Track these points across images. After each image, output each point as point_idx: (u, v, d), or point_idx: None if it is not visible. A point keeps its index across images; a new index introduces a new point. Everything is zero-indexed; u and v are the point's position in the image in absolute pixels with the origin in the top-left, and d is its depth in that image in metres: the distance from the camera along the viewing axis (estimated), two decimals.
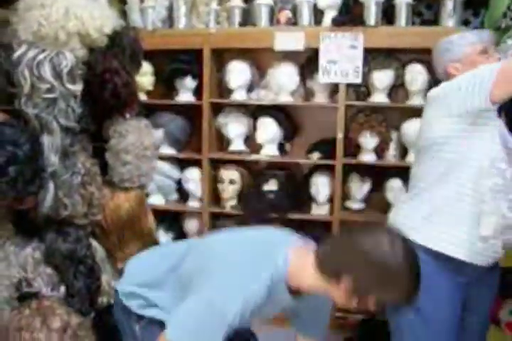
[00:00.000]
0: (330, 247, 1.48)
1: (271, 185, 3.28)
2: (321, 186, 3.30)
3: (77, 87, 1.81)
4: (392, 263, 1.36)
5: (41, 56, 1.71)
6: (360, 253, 1.38)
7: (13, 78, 1.70)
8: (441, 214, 1.82)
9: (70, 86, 1.77)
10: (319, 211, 3.37)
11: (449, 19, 3.08)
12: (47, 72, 1.71)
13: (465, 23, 3.13)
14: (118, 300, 1.71)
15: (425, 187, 1.88)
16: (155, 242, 2.32)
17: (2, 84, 1.64)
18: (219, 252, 1.54)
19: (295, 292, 1.53)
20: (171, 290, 1.62)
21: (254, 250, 1.51)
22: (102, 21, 1.87)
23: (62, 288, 1.89)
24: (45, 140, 1.76)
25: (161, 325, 1.57)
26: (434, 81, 3.13)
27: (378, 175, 3.28)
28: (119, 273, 2.21)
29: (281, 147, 3.44)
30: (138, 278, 1.70)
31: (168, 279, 1.63)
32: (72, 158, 1.86)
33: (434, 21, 3.18)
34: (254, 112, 3.39)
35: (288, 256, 1.50)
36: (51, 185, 1.80)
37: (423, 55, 2.93)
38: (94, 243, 2.07)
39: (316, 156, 3.31)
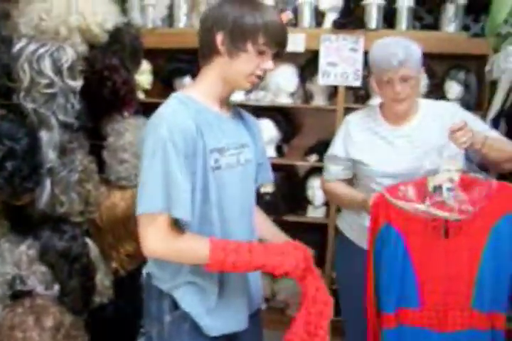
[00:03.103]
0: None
1: (267, 187, 3.26)
2: (317, 189, 3.28)
3: (77, 83, 1.79)
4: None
5: (42, 50, 1.69)
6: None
7: (12, 72, 1.67)
8: None
9: (70, 81, 1.75)
10: (315, 213, 3.36)
11: (449, 24, 3.09)
12: (47, 66, 1.69)
13: (465, 28, 3.13)
14: (149, 284, 1.60)
15: None
16: None
17: (1, 78, 1.61)
18: None
19: (220, 104, 1.56)
20: None
21: None
22: (104, 17, 1.85)
23: (56, 287, 1.86)
24: (44, 135, 1.74)
25: (192, 324, 1.53)
26: (433, 85, 3.14)
27: None
28: (113, 272, 2.19)
29: (278, 149, 3.43)
30: None
31: None
32: (70, 155, 1.84)
33: (435, 26, 3.19)
34: (253, 113, 3.35)
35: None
36: (48, 182, 1.78)
37: (423, 60, 2.92)
38: (89, 242, 2.04)
39: (313, 159, 3.30)
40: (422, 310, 1.78)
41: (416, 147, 2.00)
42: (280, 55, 1.53)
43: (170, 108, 1.47)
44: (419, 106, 2.08)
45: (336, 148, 2.15)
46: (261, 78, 1.52)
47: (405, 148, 2.02)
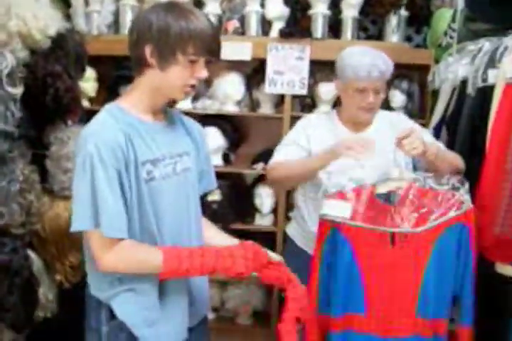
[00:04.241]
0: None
1: (214, 195, 3.24)
2: (264, 197, 3.30)
3: (17, 90, 1.74)
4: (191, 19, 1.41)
5: None
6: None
7: None
8: None
9: (9, 89, 1.70)
10: (263, 221, 3.36)
11: (392, 35, 3.17)
12: None
13: (408, 39, 3.22)
14: (88, 294, 1.59)
15: None
16: None
17: None
18: None
19: (154, 114, 1.54)
20: None
21: None
22: (46, 22, 1.81)
23: None
24: None
25: (128, 335, 1.50)
26: None
27: None
28: (58, 285, 2.12)
29: (225, 157, 3.42)
30: None
31: None
32: (10, 165, 1.78)
33: (379, 36, 3.26)
34: (199, 121, 3.32)
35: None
36: None
37: None
38: (32, 254, 1.98)
39: (260, 166, 3.31)
40: (368, 317, 1.80)
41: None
42: (213, 61, 1.50)
43: (99, 122, 1.45)
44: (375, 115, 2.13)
45: (299, 137, 2.11)
46: (195, 87, 1.50)
47: None
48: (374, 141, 1.83)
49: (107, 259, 1.42)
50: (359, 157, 1.79)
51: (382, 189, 1.79)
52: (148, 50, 1.42)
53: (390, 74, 2.02)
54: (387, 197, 1.79)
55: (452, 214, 1.75)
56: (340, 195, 1.80)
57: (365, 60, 1.96)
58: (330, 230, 1.80)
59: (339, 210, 1.77)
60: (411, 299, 1.78)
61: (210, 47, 1.44)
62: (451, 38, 2.76)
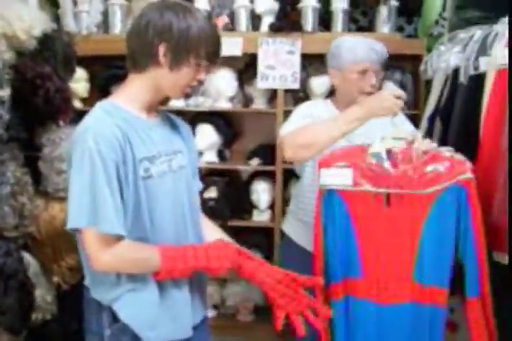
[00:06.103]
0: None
1: (211, 192, 3.24)
2: (261, 192, 3.29)
3: (5, 92, 1.73)
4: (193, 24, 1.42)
5: None
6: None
7: None
8: None
9: None
10: (260, 217, 3.35)
11: (383, 26, 3.15)
12: None
13: (399, 29, 3.21)
14: (87, 297, 1.55)
15: None
16: None
17: None
18: None
19: (148, 111, 1.53)
20: None
21: None
22: (31, 23, 1.79)
23: None
24: None
25: (132, 337, 1.47)
26: None
27: None
28: (55, 287, 2.11)
29: (220, 153, 3.41)
30: None
31: None
32: (1, 168, 1.77)
33: (370, 28, 3.25)
34: (193, 119, 3.33)
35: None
36: None
37: None
38: (27, 256, 1.97)
39: (255, 162, 3.30)
40: (363, 280, 1.75)
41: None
42: (216, 64, 1.53)
43: (94, 118, 1.43)
44: None
45: (309, 113, 2.04)
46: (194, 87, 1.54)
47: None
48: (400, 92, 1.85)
49: (103, 258, 1.38)
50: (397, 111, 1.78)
51: (376, 148, 1.72)
52: (162, 49, 1.42)
53: (386, 60, 2.02)
54: (382, 156, 1.72)
55: (458, 177, 1.64)
56: (329, 162, 1.74)
57: (362, 43, 1.98)
58: (326, 192, 1.74)
59: (339, 178, 1.72)
60: (407, 262, 1.71)
61: (218, 52, 1.49)
62: (442, 26, 2.75)
